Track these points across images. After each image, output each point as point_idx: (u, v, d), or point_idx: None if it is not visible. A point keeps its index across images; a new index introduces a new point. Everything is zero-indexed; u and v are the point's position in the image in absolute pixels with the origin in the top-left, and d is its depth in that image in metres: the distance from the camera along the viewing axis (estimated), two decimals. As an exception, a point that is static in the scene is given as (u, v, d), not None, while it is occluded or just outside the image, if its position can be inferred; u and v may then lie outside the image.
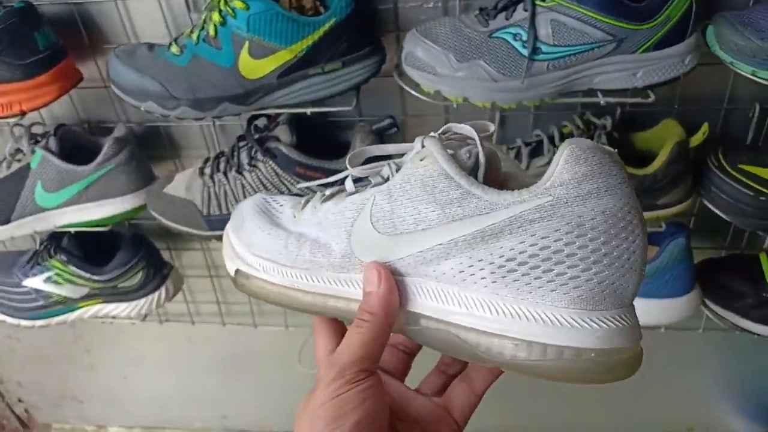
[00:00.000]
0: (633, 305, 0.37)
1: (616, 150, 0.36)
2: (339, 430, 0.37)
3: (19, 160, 0.89)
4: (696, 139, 0.81)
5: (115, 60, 0.79)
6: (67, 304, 1.00)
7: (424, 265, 0.39)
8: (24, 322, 1.02)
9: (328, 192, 0.45)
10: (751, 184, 0.80)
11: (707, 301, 0.95)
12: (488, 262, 0.37)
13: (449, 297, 0.39)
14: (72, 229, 0.94)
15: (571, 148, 0.35)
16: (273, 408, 1.41)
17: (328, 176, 0.80)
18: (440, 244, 0.38)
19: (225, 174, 0.85)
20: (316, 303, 0.44)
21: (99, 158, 0.88)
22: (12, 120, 0.85)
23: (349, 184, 0.44)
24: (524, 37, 0.70)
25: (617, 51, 0.71)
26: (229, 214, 0.69)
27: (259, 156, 0.82)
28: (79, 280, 0.98)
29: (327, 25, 0.72)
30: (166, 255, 1.08)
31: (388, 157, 0.44)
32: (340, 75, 0.76)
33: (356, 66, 0.76)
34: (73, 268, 0.97)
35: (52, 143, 0.88)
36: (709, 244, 1.01)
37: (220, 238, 0.54)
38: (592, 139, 0.80)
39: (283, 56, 0.73)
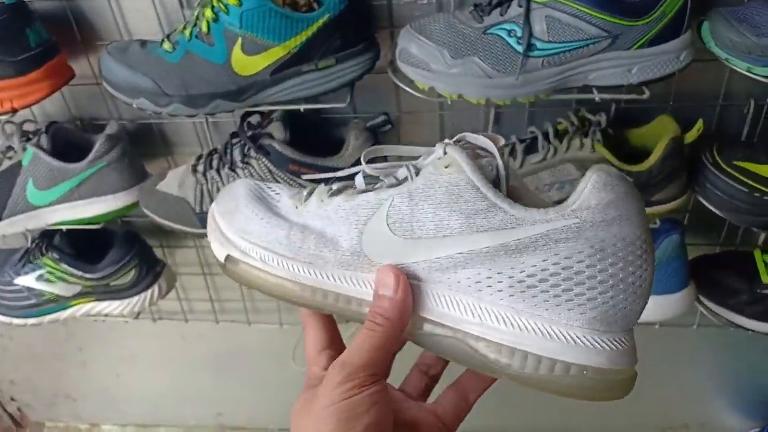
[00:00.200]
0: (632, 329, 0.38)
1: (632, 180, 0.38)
2: None
3: (10, 158, 0.89)
4: (691, 136, 0.81)
5: (107, 57, 0.79)
6: (60, 303, 1.00)
7: (439, 271, 0.39)
8: (16, 321, 1.01)
9: (335, 186, 0.44)
10: (746, 180, 0.80)
11: (702, 298, 0.95)
12: (508, 276, 0.37)
13: (462, 306, 0.39)
14: (64, 227, 0.94)
15: (599, 175, 0.36)
16: (267, 405, 1.41)
17: (321, 173, 0.81)
18: (460, 253, 0.38)
19: (218, 171, 0.85)
20: (314, 298, 0.43)
21: (91, 155, 0.87)
22: (3, 117, 0.84)
23: (359, 181, 0.43)
24: (519, 34, 0.70)
25: (612, 47, 0.71)
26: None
27: (253, 153, 0.82)
28: (71, 278, 0.97)
29: (320, 22, 0.72)
30: (159, 253, 1.08)
31: (399, 158, 0.44)
32: (333, 71, 0.75)
33: (350, 62, 0.75)
34: (65, 266, 0.96)
35: (44, 141, 0.88)
36: (704, 240, 1.02)
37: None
38: (586, 135, 0.80)
39: (276, 53, 0.73)
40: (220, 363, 1.37)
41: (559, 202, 0.38)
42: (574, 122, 0.83)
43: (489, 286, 0.38)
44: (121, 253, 0.97)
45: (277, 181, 0.81)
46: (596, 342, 0.36)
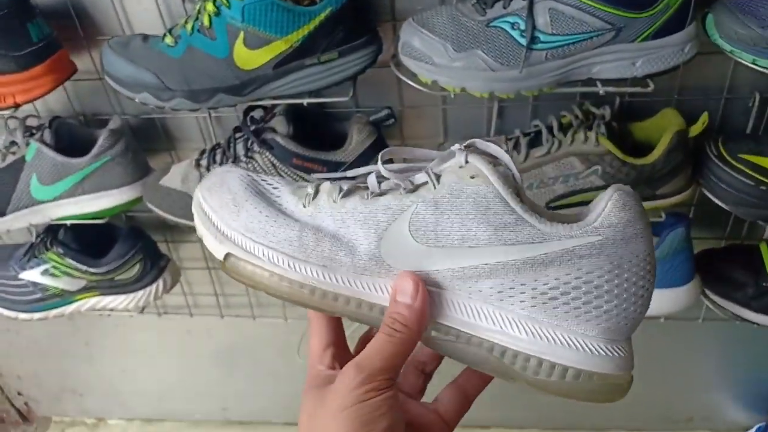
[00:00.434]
0: None
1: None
2: None
3: (14, 153, 0.89)
4: (695, 129, 0.81)
5: (109, 51, 0.79)
6: (65, 297, 1.00)
7: (461, 280, 0.40)
8: (22, 315, 1.02)
9: (345, 186, 0.43)
10: (752, 173, 0.79)
11: (707, 291, 0.95)
12: (531, 288, 0.39)
13: (483, 314, 0.40)
14: (68, 222, 0.94)
15: (620, 194, 0.38)
16: (272, 399, 1.41)
17: (324, 168, 0.81)
18: (486, 264, 0.39)
19: (221, 166, 0.85)
20: (324, 300, 0.42)
21: (94, 150, 0.87)
22: (6, 112, 0.84)
23: (372, 182, 0.42)
24: (522, 26, 0.69)
25: (616, 40, 0.70)
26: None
27: (256, 147, 0.82)
28: (76, 273, 0.97)
29: (323, 15, 0.72)
30: (163, 247, 1.08)
31: (404, 160, 0.44)
32: (336, 65, 0.75)
33: (353, 56, 0.75)
34: (70, 261, 0.96)
35: (47, 136, 0.88)
36: (709, 234, 1.01)
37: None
38: (591, 129, 0.80)
39: (279, 46, 0.73)
40: (225, 357, 1.37)
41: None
42: (579, 116, 0.82)
43: (511, 296, 0.39)
44: (125, 248, 0.97)
45: (281, 176, 0.81)
46: (607, 350, 0.39)
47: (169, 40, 0.76)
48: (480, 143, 0.41)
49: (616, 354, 0.39)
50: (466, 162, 0.39)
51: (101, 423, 1.55)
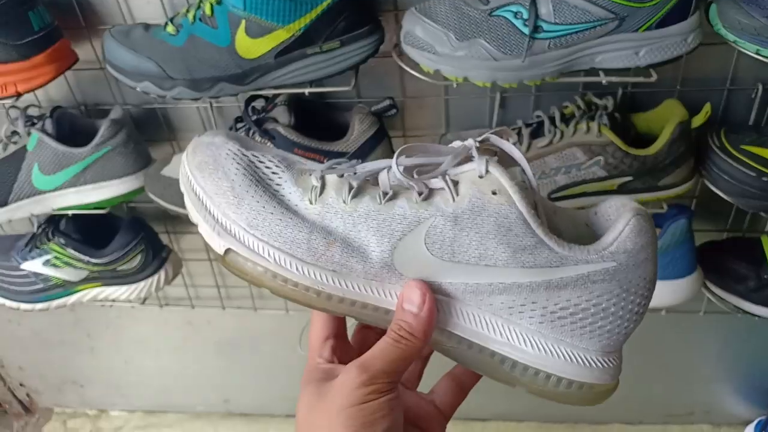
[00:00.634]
0: None
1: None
2: None
3: (15, 143, 0.89)
4: (698, 120, 0.80)
5: (111, 40, 0.79)
6: (67, 287, 1.00)
7: (473, 294, 0.40)
8: (23, 306, 1.02)
9: (355, 184, 0.40)
10: (754, 164, 0.79)
11: (709, 284, 0.95)
12: (542, 306, 0.39)
13: (491, 326, 0.40)
14: (70, 212, 0.94)
15: (637, 220, 0.38)
16: (274, 391, 1.41)
17: (326, 158, 0.81)
18: (501, 283, 0.39)
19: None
20: (330, 302, 0.41)
21: (96, 140, 0.87)
22: (7, 102, 0.84)
23: (384, 181, 0.40)
24: (525, 15, 0.69)
25: (619, 29, 0.70)
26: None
27: (257, 137, 0.82)
28: (78, 263, 0.97)
29: (324, 4, 0.71)
30: (164, 239, 1.08)
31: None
32: (338, 54, 0.75)
33: (355, 45, 0.75)
34: (71, 251, 0.96)
35: (49, 125, 0.88)
36: (711, 227, 1.01)
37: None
38: (593, 119, 0.80)
39: (281, 35, 0.72)
40: (226, 349, 1.37)
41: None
42: (581, 106, 0.82)
43: (521, 312, 0.40)
44: (127, 238, 0.97)
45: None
46: (603, 362, 0.40)
47: (170, 29, 0.76)
48: (495, 140, 0.40)
49: (610, 365, 0.41)
50: (487, 171, 0.38)
51: (103, 414, 1.55)
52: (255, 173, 0.42)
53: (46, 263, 0.98)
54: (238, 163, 0.42)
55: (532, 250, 0.38)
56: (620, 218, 0.39)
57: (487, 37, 0.70)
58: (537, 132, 0.82)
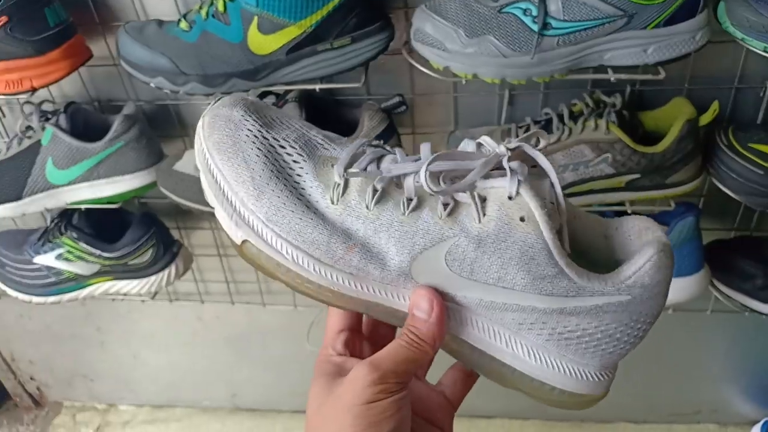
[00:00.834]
0: None
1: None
2: None
3: (30, 137, 0.90)
4: (706, 118, 0.81)
5: (125, 36, 0.80)
6: (78, 281, 1.01)
7: (486, 308, 0.40)
8: (36, 299, 1.03)
9: (380, 187, 0.39)
10: (762, 162, 0.79)
11: (716, 282, 0.95)
12: (551, 327, 0.40)
13: (499, 336, 0.41)
14: (83, 206, 0.95)
15: (660, 256, 0.38)
16: (282, 387, 1.42)
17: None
18: (517, 305, 0.39)
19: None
20: (342, 300, 0.42)
21: (109, 135, 0.88)
22: (22, 97, 0.85)
23: (409, 187, 0.39)
24: (534, 12, 0.70)
25: (628, 26, 0.70)
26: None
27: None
28: (90, 257, 0.98)
29: (336, 1, 0.72)
30: (175, 234, 1.09)
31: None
32: (349, 51, 0.76)
33: (365, 42, 0.76)
34: (84, 245, 0.98)
35: (63, 120, 0.89)
36: (719, 225, 1.01)
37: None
38: (601, 117, 0.80)
39: (292, 32, 0.73)
40: (235, 344, 1.38)
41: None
42: (589, 104, 0.83)
43: (530, 330, 0.40)
44: (139, 233, 0.98)
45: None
46: (600, 376, 0.41)
47: (183, 25, 0.77)
48: (528, 149, 0.39)
49: (605, 378, 0.42)
50: (517, 193, 0.37)
51: (111, 408, 1.57)
52: (276, 162, 0.40)
53: (59, 257, 0.99)
54: (258, 149, 0.40)
55: (552, 279, 0.38)
56: (643, 251, 0.38)
57: (497, 34, 0.71)
58: (545, 129, 0.83)
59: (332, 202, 0.39)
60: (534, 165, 0.40)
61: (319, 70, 0.77)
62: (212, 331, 1.36)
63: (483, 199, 0.38)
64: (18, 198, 0.92)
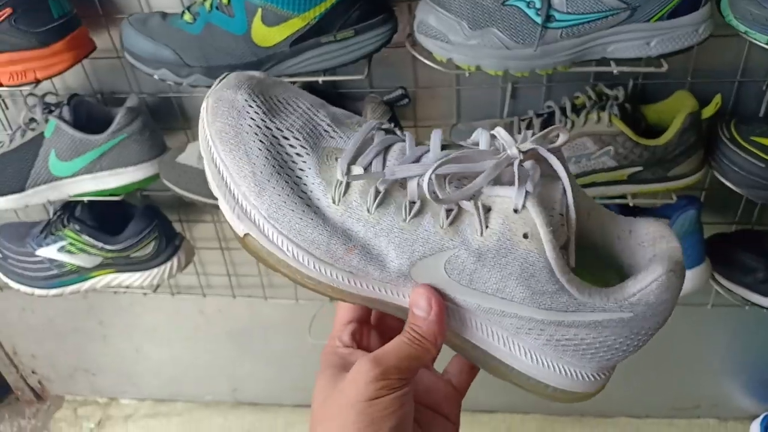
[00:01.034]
0: None
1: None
2: None
3: (33, 129, 0.90)
4: (708, 111, 0.81)
5: (129, 27, 0.80)
6: (81, 274, 1.02)
7: (485, 312, 0.40)
8: (38, 291, 1.03)
9: (382, 189, 0.38)
10: (764, 156, 0.80)
11: (717, 276, 0.95)
12: (549, 334, 0.40)
13: (497, 336, 0.41)
14: (85, 198, 0.95)
15: (669, 276, 0.36)
16: (283, 380, 1.43)
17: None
18: (515, 314, 0.39)
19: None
20: (343, 295, 0.42)
21: (112, 127, 0.88)
22: (25, 89, 0.85)
23: (413, 189, 0.38)
24: (537, 5, 0.70)
25: (631, 19, 0.70)
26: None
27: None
28: (92, 250, 0.99)
29: (339, -7, 0.72)
30: (177, 227, 1.09)
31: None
32: (352, 43, 0.76)
33: (369, 34, 0.76)
34: (86, 238, 0.98)
35: (66, 112, 0.89)
36: (720, 218, 1.01)
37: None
38: (603, 110, 0.80)
39: (296, 24, 0.74)
40: (237, 338, 1.39)
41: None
42: (592, 97, 0.83)
43: (528, 334, 0.40)
44: (141, 226, 0.98)
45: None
46: (596, 377, 0.42)
47: (187, 17, 0.77)
48: (543, 152, 0.37)
49: (601, 378, 0.42)
50: (523, 206, 0.36)
51: (113, 402, 1.57)
52: (278, 155, 0.39)
53: (61, 249, 0.99)
54: (261, 141, 0.39)
55: (552, 294, 0.37)
56: (651, 268, 0.37)
57: (500, 26, 0.71)
58: (548, 122, 0.83)
59: (333, 202, 0.39)
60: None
61: (322, 62, 0.77)
62: (214, 325, 1.36)
63: (487, 209, 0.37)
64: (21, 190, 0.92)
